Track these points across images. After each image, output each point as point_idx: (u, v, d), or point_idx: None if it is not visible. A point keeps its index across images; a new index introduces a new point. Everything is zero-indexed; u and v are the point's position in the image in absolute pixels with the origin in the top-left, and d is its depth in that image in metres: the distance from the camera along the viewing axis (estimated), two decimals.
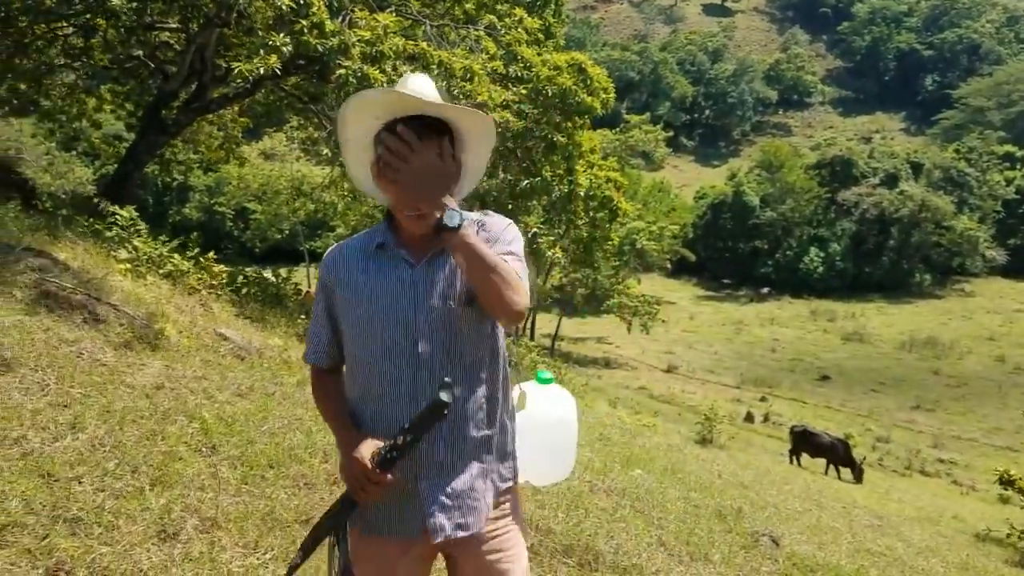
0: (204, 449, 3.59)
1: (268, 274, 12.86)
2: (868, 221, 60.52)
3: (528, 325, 35.13)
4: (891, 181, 62.64)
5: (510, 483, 1.87)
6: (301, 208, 40.79)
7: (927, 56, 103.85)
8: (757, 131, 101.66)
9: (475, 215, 1.85)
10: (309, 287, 31.29)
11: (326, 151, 13.58)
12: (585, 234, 14.18)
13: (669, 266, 49.57)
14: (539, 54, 11.47)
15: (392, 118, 1.69)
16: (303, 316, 8.87)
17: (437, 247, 1.74)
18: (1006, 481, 10.79)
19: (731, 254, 64.36)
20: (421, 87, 1.75)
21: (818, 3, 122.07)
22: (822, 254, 60.52)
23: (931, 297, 57.23)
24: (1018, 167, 67.77)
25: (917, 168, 64.96)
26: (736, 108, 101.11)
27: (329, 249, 1.90)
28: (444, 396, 1.60)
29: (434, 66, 9.69)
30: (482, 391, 1.79)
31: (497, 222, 1.85)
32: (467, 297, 1.75)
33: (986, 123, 79.17)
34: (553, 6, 13.02)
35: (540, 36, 12.34)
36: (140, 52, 12.96)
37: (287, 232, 46.47)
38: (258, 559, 2.84)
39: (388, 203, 1.81)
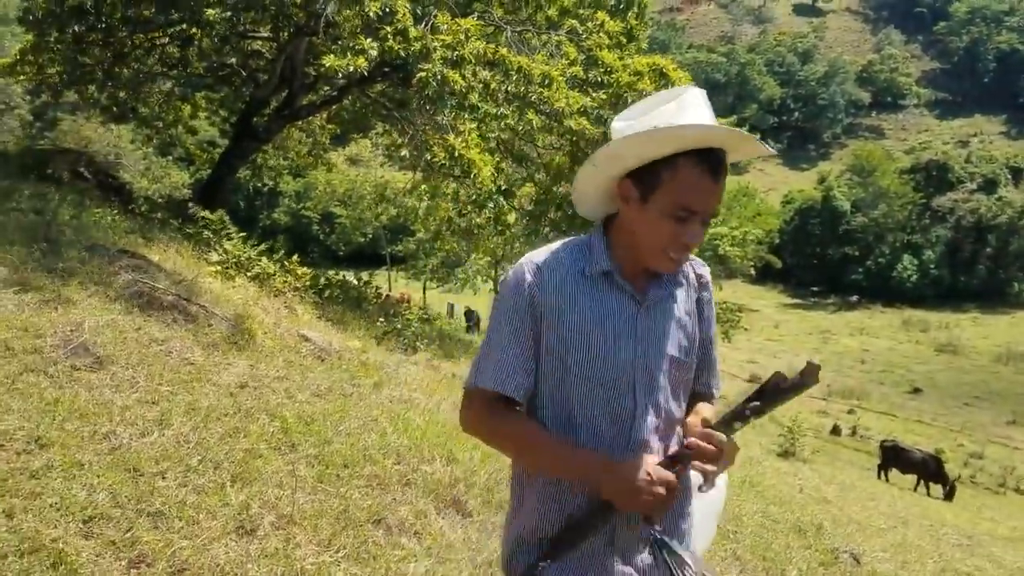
0: (283, 447, 3.69)
1: (351, 277, 13.18)
2: (964, 228, 58.03)
3: None
4: (989, 186, 59.89)
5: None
6: (384, 213, 41.59)
7: None
8: (848, 134, 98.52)
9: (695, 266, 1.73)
10: (390, 290, 31.98)
11: (404, 153, 13.80)
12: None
13: (753, 272, 48.45)
14: (620, 58, 11.38)
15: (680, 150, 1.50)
16: (382, 319, 9.04)
17: (656, 282, 1.63)
18: None
19: (819, 260, 62.56)
20: (705, 112, 1.54)
21: (914, 3, 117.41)
22: (915, 262, 58.24)
23: None
24: None
25: (1017, 173, 62.00)
26: (827, 110, 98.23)
27: (528, 262, 1.65)
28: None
29: (513, 71, 9.75)
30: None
31: (709, 281, 1.76)
32: (693, 348, 1.67)
33: None
34: (636, 8, 12.89)
35: (622, 40, 12.24)
36: (233, 60, 13.48)
37: (370, 236, 47.44)
38: (331, 557, 2.90)
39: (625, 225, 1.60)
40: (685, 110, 1.51)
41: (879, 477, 16.69)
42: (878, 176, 63.15)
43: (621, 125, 1.57)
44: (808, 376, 1.42)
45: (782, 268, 56.76)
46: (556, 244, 1.68)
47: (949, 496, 15.60)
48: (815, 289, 61.11)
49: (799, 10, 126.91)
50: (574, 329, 1.57)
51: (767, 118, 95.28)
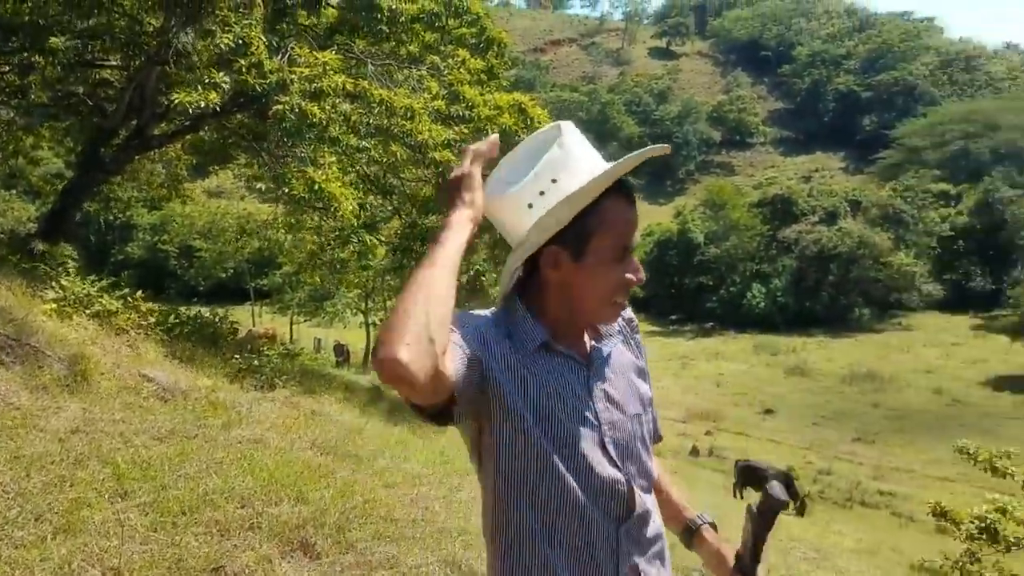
0: (115, 495, 3.48)
1: (208, 313, 12.64)
2: (808, 258, 61.99)
3: None
4: (830, 219, 64.44)
5: None
6: (246, 246, 40.32)
7: (865, 98, 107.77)
8: (702, 170, 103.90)
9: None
10: (255, 325, 30.86)
11: (261, 186, 13.47)
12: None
13: None
14: (482, 94, 11.61)
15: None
16: (238, 356, 8.71)
17: (595, 339, 1.52)
18: (939, 513, 10.99)
19: (677, 290, 65.30)
20: (589, 145, 1.50)
21: (760, 47, 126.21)
22: (764, 290, 61.71)
23: (870, 331, 58.51)
24: (952, 205, 70.37)
25: (855, 206, 67.00)
26: (681, 148, 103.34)
27: (467, 321, 1.40)
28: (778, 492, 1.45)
29: (375, 104, 9.75)
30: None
31: (634, 317, 1.68)
32: (648, 396, 1.58)
33: (921, 162, 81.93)
34: (496, 47, 13.20)
35: (483, 77, 12.50)
36: (80, 89, 12.76)
37: (233, 270, 45.82)
38: None
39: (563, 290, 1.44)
40: (574, 153, 1.43)
41: (735, 495, 17.39)
42: (729, 210, 66.80)
43: (513, 190, 1.43)
44: (776, 500, 1.46)
45: (643, 298, 58.92)
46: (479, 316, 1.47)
47: (801, 512, 16.44)
48: (674, 317, 63.65)
49: (654, 53, 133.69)
50: (530, 412, 1.37)
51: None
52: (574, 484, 1.37)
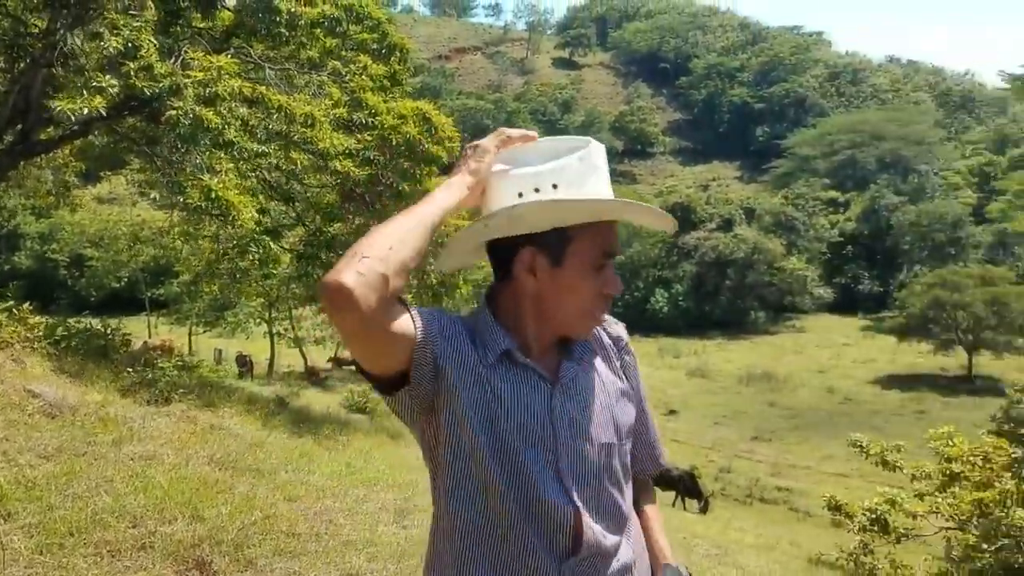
0: None
1: (100, 325, 12.10)
2: (707, 263, 64.01)
3: None
4: (727, 226, 66.74)
5: None
6: (141, 254, 38.70)
7: (758, 109, 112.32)
8: None
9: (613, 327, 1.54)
10: (151, 337, 29.58)
11: (154, 195, 12.99)
12: (435, 280, 14.22)
13: None
14: (385, 101, 11.51)
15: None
16: (131, 369, 8.37)
17: (566, 355, 1.41)
18: (833, 507, 11.51)
19: None
20: (605, 174, 1.42)
21: (659, 59, 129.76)
22: (666, 295, 63.41)
23: (766, 333, 60.73)
24: (841, 211, 74.10)
25: (750, 213, 69.65)
26: None
27: (435, 314, 1.34)
28: None
29: (274, 110, 9.56)
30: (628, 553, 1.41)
31: (627, 340, 1.57)
32: (626, 426, 1.45)
33: (812, 171, 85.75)
34: (399, 54, 13.14)
35: (386, 83, 12.41)
36: None
37: (127, 280, 43.86)
38: None
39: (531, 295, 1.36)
40: (587, 171, 1.36)
41: None
42: None
43: (513, 172, 1.37)
44: None
45: None
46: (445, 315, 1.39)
47: (704, 510, 16.93)
48: None
49: (558, 63, 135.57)
50: (474, 417, 1.29)
51: None
52: (513, 506, 1.28)
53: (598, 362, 1.45)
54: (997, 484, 5.92)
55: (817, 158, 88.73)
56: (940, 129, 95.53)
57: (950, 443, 8.28)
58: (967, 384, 43.58)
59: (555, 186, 1.33)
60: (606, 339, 1.50)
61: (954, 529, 7.53)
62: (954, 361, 46.27)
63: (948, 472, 8.10)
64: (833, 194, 76.99)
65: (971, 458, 7.37)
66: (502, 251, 1.37)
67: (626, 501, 1.42)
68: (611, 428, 1.39)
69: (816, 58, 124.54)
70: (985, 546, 5.41)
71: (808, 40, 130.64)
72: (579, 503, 1.30)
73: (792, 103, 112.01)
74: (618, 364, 1.50)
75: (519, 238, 1.34)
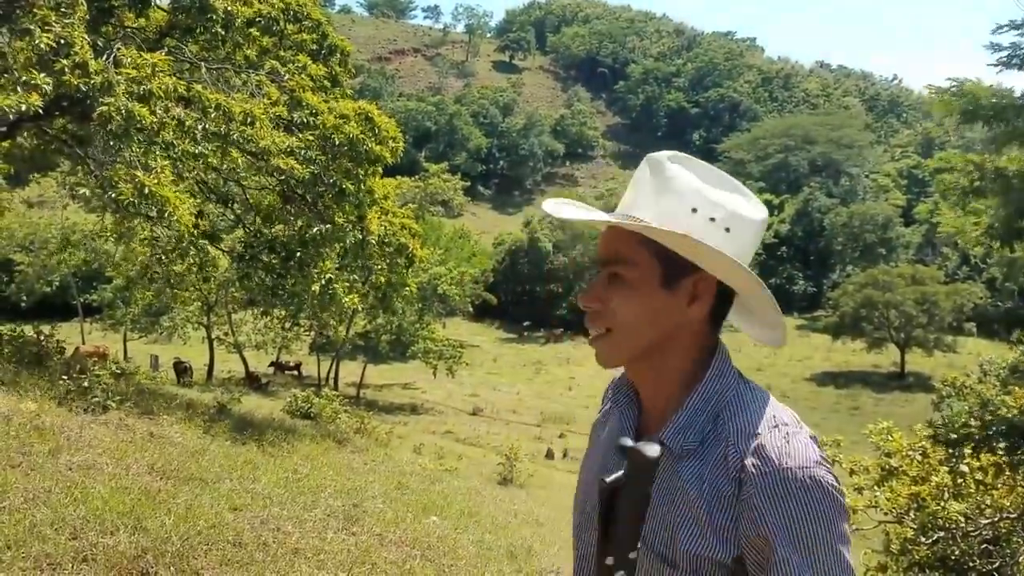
0: None
1: (31, 331, 11.64)
2: None
3: (332, 374, 34.21)
4: None
5: None
6: (71, 258, 37.48)
7: (694, 113, 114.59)
8: (547, 181, 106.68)
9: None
10: (83, 343, 28.57)
11: (84, 191, 12.56)
12: (383, 280, 14.02)
13: (472, 310, 50.32)
14: (325, 101, 11.33)
15: None
16: (65, 377, 8.03)
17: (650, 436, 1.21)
18: None
19: (529, 297, 66.67)
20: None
21: (597, 63, 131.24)
22: None
23: None
24: (775, 213, 75.94)
25: None
26: (527, 159, 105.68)
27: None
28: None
29: (211, 109, 9.31)
30: None
31: (761, 473, 1.09)
32: (693, 556, 1.10)
33: (746, 174, 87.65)
34: (339, 54, 12.94)
35: (326, 83, 12.21)
36: None
37: (58, 285, 42.39)
38: None
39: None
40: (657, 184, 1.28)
41: None
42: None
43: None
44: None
45: (498, 305, 59.60)
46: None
47: None
48: (527, 324, 64.87)
49: (498, 66, 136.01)
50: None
51: (476, 166, 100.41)
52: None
53: (692, 465, 1.17)
54: (934, 477, 6.06)
55: (751, 161, 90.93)
56: (869, 133, 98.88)
57: (889, 438, 8.48)
58: (899, 381, 45.10)
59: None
60: (728, 455, 1.16)
61: (892, 523, 7.71)
62: (886, 358, 47.83)
63: (887, 466, 8.29)
64: (767, 196, 78.85)
65: (910, 452, 7.55)
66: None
67: None
68: (668, 540, 1.14)
69: (749, 64, 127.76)
70: (922, 539, 5.53)
71: (741, 46, 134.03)
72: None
73: (726, 108, 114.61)
74: (724, 487, 1.13)
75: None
